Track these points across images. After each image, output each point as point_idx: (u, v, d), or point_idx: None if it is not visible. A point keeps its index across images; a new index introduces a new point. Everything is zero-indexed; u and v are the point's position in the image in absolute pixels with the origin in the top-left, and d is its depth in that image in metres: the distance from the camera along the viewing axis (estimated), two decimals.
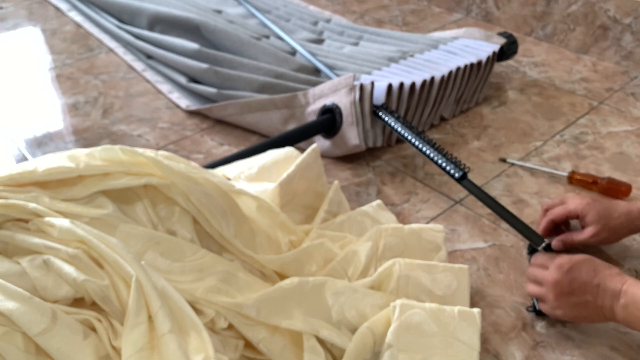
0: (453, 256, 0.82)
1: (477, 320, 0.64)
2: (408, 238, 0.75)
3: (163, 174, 0.65)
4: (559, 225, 0.82)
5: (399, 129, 0.92)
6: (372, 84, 0.95)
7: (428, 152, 0.88)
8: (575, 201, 0.77)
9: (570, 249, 0.77)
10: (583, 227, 0.77)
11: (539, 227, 0.82)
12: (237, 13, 1.43)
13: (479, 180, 0.96)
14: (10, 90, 1.24)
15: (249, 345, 0.63)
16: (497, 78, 1.27)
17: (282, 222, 0.75)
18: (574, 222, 0.83)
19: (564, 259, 0.66)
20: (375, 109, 0.96)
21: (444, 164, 0.86)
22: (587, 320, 0.68)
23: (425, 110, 1.05)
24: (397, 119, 0.94)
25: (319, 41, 1.31)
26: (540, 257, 0.71)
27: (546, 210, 0.82)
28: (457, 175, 0.84)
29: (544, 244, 0.74)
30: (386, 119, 0.94)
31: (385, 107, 0.96)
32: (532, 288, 0.70)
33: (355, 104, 0.94)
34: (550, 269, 0.67)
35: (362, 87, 0.94)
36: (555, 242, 0.77)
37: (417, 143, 0.90)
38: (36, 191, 0.61)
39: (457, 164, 0.85)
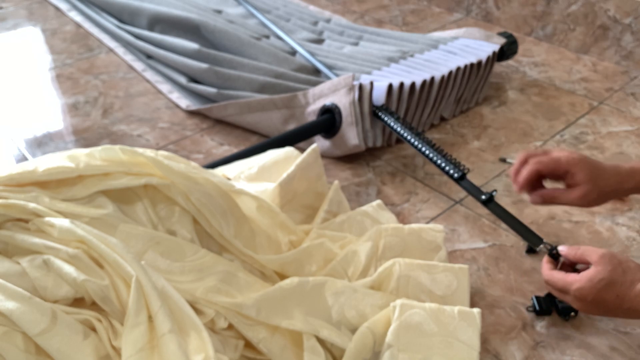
0: (453, 256, 0.82)
1: (477, 320, 0.64)
2: (408, 238, 0.75)
3: (163, 174, 0.65)
4: (542, 179, 0.73)
5: (399, 130, 0.92)
6: (372, 84, 0.95)
7: (427, 152, 0.88)
8: (562, 153, 0.70)
9: (549, 205, 0.72)
10: (569, 185, 0.70)
11: (517, 179, 0.72)
12: (237, 13, 1.44)
13: (479, 180, 0.96)
14: (10, 90, 1.24)
15: (249, 345, 0.63)
16: (497, 78, 1.27)
17: (282, 222, 0.75)
18: None
19: (584, 289, 0.60)
20: (375, 109, 0.96)
21: (443, 164, 0.86)
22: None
23: (425, 110, 1.05)
24: (397, 119, 0.94)
25: (319, 41, 1.31)
26: (553, 280, 0.64)
27: (525, 159, 0.72)
28: (455, 175, 0.84)
29: (542, 245, 0.71)
30: (386, 119, 0.94)
31: (385, 107, 0.96)
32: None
33: (354, 104, 0.94)
34: (571, 297, 0.63)
35: (361, 87, 0.94)
36: (533, 197, 0.71)
37: (416, 143, 0.90)
38: (36, 191, 0.61)
39: (456, 165, 0.85)
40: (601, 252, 0.62)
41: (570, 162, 0.68)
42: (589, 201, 0.69)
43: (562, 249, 0.67)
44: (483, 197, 0.80)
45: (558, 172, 0.70)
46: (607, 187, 0.69)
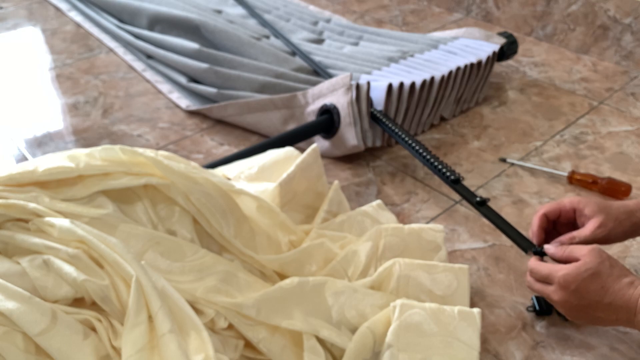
0: (453, 256, 0.82)
1: (477, 320, 0.64)
2: (408, 238, 0.75)
3: (163, 174, 0.65)
4: (554, 226, 0.73)
5: (396, 131, 0.92)
6: (368, 83, 0.95)
7: (424, 154, 0.88)
8: (568, 198, 0.71)
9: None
10: (582, 224, 0.69)
11: (531, 230, 0.72)
12: (237, 13, 1.44)
13: (479, 180, 0.96)
14: (10, 90, 1.24)
15: (249, 345, 0.63)
16: (497, 78, 1.27)
17: (282, 222, 0.75)
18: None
19: (569, 276, 0.61)
20: (373, 112, 0.96)
21: (439, 167, 0.86)
22: (603, 326, 0.68)
23: (425, 110, 1.05)
24: (394, 123, 0.94)
25: (319, 41, 1.31)
26: (539, 268, 0.65)
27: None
28: (452, 177, 0.84)
29: (533, 250, 0.70)
30: (384, 120, 0.94)
31: (380, 111, 0.96)
32: (539, 291, 0.66)
33: (352, 104, 0.94)
34: (554, 286, 0.62)
35: (358, 87, 0.94)
36: (552, 248, 0.67)
37: (413, 145, 0.90)
38: (36, 191, 0.61)
39: (451, 171, 0.85)
40: (590, 247, 0.62)
41: (574, 200, 0.70)
42: (608, 231, 0.67)
43: (548, 247, 0.68)
44: (478, 199, 0.79)
45: (566, 214, 0.70)
46: (620, 215, 0.67)
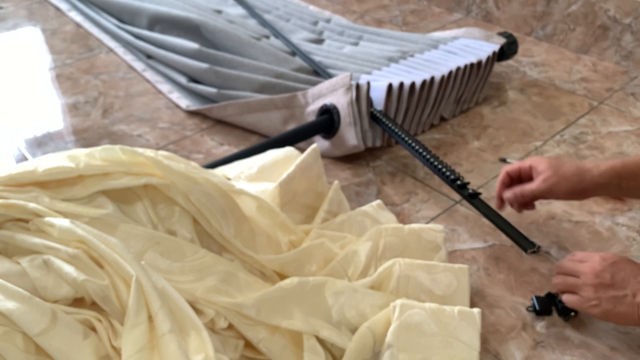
0: (453, 256, 0.82)
1: (477, 320, 0.64)
2: (408, 238, 0.75)
3: (163, 174, 0.65)
4: (515, 182, 0.80)
5: (397, 132, 0.92)
6: (368, 84, 0.95)
7: (425, 155, 0.88)
8: (530, 158, 0.78)
9: (522, 200, 0.77)
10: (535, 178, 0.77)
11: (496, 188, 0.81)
12: (237, 13, 1.44)
13: (479, 180, 0.96)
14: (10, 90, 1.24)
15: (249, 345, 0.63)
16: (497, 78, 1.27)
17: (282, 222, 0.75)
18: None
19: (608, 254, 0.67)
20: (373, 112, 0.96)
21: (439, 166, 0.86)
22: (618, 319, 0.65)
23: (425, 110, 1.05)
24: (394, 123, 0.94)
25: (319, 41, 1.31)
26: (578, 253, 0.70)
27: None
28: (452, 177, 0.84)
29: (534, 248, 0.75)
30: (384, 120, 0.94)
31: (383, 113, 0.96)
32: (565, 279, 0.69)
33: (352, 104, 0.94)
34: (591, 261, 0.67)
35: (358, 87, 0.94)
36: (507, 195, 0.77)
37: (413, 144, 0.90)
38: (36, 191, 0.61)
39: (451, 171, 0.85)
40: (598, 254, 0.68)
41: (532, 160, 0.76)
42: (551, 185, 0.73)
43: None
44: (470, 191, 0.81)
45: (525, 171, 0.77)
46: (568, 171, 0.73)
